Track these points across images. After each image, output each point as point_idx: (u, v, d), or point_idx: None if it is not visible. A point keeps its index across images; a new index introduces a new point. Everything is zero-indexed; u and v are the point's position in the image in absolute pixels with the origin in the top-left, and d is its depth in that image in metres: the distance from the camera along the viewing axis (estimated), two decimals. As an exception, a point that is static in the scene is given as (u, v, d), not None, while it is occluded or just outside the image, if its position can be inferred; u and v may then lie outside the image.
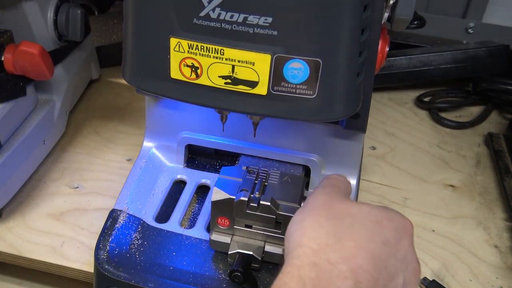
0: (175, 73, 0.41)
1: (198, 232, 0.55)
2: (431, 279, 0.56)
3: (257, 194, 0.49)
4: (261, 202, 0.48)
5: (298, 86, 0.39)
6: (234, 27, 0.37)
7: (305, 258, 0.36)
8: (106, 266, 0.51)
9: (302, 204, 0.49)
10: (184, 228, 0.56)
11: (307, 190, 0.58)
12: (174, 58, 0.40)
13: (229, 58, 0.39)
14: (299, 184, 0.51)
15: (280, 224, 0.49)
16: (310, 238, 0.37)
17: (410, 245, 0.40)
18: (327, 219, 0.38)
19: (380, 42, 0.45)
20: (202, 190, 0.62)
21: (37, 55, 0.58)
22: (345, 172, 0.58)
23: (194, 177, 0.62)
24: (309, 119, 0.41)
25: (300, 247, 0.37)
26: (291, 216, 0.48)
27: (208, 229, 0.56)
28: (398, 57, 0.82)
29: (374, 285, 0.35)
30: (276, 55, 0.38)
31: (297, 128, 0.57)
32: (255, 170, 0.52)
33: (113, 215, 0.55)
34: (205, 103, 0.42)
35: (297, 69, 0.38)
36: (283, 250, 0.50)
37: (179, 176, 0.62)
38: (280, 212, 0.48)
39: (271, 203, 0.48)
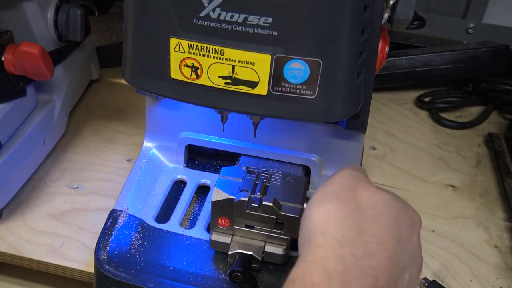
0: (175, 73, 0.41)
1: (198, 232, 0.55)
2: (431, 279, 0.56)
3: (258, 195, 0.49)
4: (264, 202, 0.48)
5: (298, 86, 0.39)
6: (234, 27, 0.37)
7: (331, 249, 0.35)
8: (106, 266, 0.51)
9: (305, 205, 0.49)
10: (184, 228, 0.56)
11: (308, 190, 0.58)
12: (174, 58, 0.40)
13: (229, 58, 0.39)
14: (301, 184, 0.51)
15: (280, 224, 0.49)
16: (335, 227, 0.36)
17: (418, 240, 0.41)
18: (352, 209, 0.37)
19: (380, 42, 0.45)
20: (202, 190, 0.62)
21: (37, 55, 0.58)
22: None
23: (194, 177, 0.62)
24: (309, 119, 0.41)
25: (324, 235, 0.36)
26: (293, 217, 0.48)
27: (208, 229, 0.56)
28: (398, 57, 0.82)
29: (388, 284, 0.35)
30: (276, 55, 0.38)
31: (297, 128, 0.57)
32: (255, 170, 0.52)
33: (113, 215, 0.55)
34: (205, 103, 0.42)
35: (297, 70, 0.38)
36: (284, 250, 0.50)
37: (179, 176, 0.62)
38: (282, 213, 0.48)
39: (273, 204, 0.48)
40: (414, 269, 0.39)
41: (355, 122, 0.52)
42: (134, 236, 0.54)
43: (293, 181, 0.51)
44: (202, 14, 0.38)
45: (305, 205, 0.49)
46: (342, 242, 0.35)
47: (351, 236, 0.36)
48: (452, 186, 0.69)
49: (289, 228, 0.49)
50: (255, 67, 0.39)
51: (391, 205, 0.39)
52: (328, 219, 0.37)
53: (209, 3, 0.37)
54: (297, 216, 0.48)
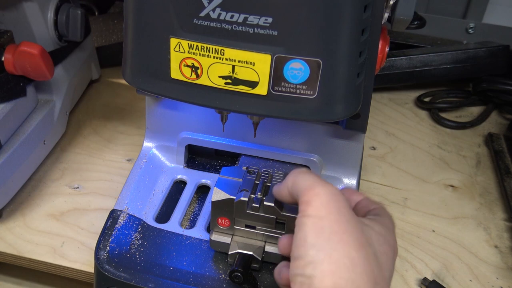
0: (175, 73, 0.41)
1: (198, 232, 0.55)
2: (431, 279, 0.56)
3: (259, 195, 0.49)
4: (265, 203, 0.48)
5: (298, 86, 0.39)
6: (234, 27, 0.37)
7: None
8: (106, 266, 0.51)
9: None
10: (184, 228, 0.56)
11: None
12: (174, 58, 0.40)
13: (229, 58, 0.39)
14: None
15: (280, 224, 0.49)
16: (347, 281, 0.34)
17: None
18: (356, 250, 0.36)
19: (380, 42, 0.45)
20: (202, 190, 0.62)
21: (37, 56, 0.58)
22: (345, 172, 0.59)
23: (194, 177, 0.62)
24: (309, 119, 0.41)
25: None
26: (295, 217, 0.48)
27: (208, 229, 0.56)
28: (399, 57, 0.82)
29: None
30: (276, 55, 0.38)
31: (297, 128, 0.57)
32: (255, 170, 0.52)
33: (113, 215, 0.55)
34: (205, 103, 0.42)
35: (297, 69, 0.38)
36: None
37: (179, 176, 0.62)
38: (284, 213, 0.48)
39: (274, 204, 0.48)
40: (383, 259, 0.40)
41: (355, 122, 0.52)
42: (134, 236, 0.54)
43: None
44: (202, 14, 0.38)
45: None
46: None
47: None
48: (452, 186, 0.69)
49: (290, 228, 0.49)
50: (255, 67, 0.39)
51: (385, 236, 0.40)
52: (337, 270, 0.35)
53: (209, 3, 0.37)
54: None
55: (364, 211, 0.44)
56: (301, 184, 0.39)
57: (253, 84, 0.40)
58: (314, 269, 0.35)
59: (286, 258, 0.48)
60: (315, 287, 0.35)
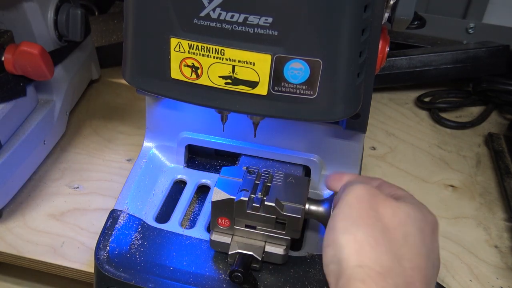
0: (175, 73, 0.41)
1: (198, 232, 0.55)
2: (431, 279, 0.56)
3: (259, 195, 0.49)
4: (266, 203, 0.48)
5: (298, 86, 0.39)
6: (235, 27, 0.37)
7: (373, 283, 0.34)
8: (106, 266, 0.51)
9: (307, 206, 0.49)
10: (184, 228, 0.56)
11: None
12: (175, 58, 0.40)
13: (229, 58, 0.39)
14: (304, 185, 0.51)
15: (281, 224, 0.49)
16: (371, 259, 0.35)
17: (438, 243, 0.40)
18: (382, 232, 0.37)
19: (380, 42, 0.45)
20: (202, 190, 0.62)
21: (37, 55, 0.58)
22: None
23: (194, 177, 0.62)
24: (309, 119, 0.41)
25: (362, 267, 0.35)
26: (295, 217, 0.48)
27: (208, 229, 0.56)
28: (399, 57, 0.82)
29: None
30: (276, 55, 0.38)
31: (297, 128, 0.57)
32: (255, 170, 0.52)
33: (113, 215, 0.55)
34: (206, 103, 0.42)
35: (297, 69, 0.38)
36: (284, 250, 0.50)
37: (179, 176, 0.62)
38: (285, 213, 0.48)
39: (275, 204, 0.48)
40: (435, 272, 0.39)
41: (355, 122, 0.52)
42: (134, 236, 0.54)
43: (295, 182, 0.51)
44: (202, 14, 0.38)
45: (307, 206, 0.49)
46: (382, 274, 0.35)
47: (389, 266, 0.35)
48: (452, 186, 0.69)
49: (291, 228, 0.49)
50: (255, 67, 0.39)
51: (414, 217, 0.39)
52: (362, 249, 0.36)
53: (209, 3, 0.37)
54: (299, 217, 0.48)
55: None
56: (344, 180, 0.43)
57: (253, 84, 0.40)
58: (341, 252, 0.36)
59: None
60: (343, 268, 0.36)
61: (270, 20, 0.37)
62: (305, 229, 0.56)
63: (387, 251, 0.36)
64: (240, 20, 0.37)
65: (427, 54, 0.82)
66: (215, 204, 0.49)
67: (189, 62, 0.40)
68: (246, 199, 0.48)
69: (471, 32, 0.89)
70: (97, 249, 0.52)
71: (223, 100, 0.41)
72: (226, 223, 0.50)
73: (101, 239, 0.53)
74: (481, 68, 0.82)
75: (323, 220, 0.49)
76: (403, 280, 0.35)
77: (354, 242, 0.36)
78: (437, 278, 0.40)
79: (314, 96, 0.39)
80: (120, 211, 0.56)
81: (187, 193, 0.60)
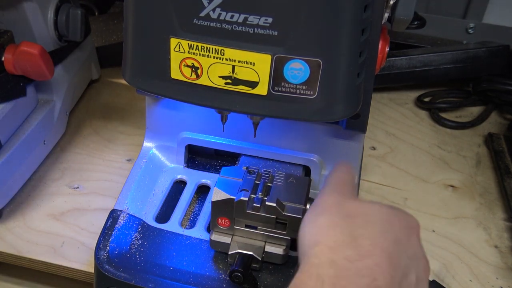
0: (175, 74, 0.41)
1: (198, 232, 0.55)
2: (431, 279, 0.56)
3: (260, 195, 0.49)
4: (267, 203, 0.48)
5: (298, 86, 0.39)
6: (235, 27, 0.37)
7: (323, 256, 0.36)
8: (106, 266, 0.51)
9: (308, 206, 0.49)
10: (184, 228, 0.56)
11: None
12: (175, 59, 0.40)
13: (229, 58, 0.39)
14: (304, 185, 0.51)
15: (281, 224, 0.49)
16: (326, 236, 0.37)
17: (419, 242, 0.40)
18: (341, 218, 0.38)
19: (380, 42, 0.45)
20: (202, 190, 0.62)
21: (37, 55, 0.58)
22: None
23: (194, 177, 0.62)
24: (309, 119, 0.41)
25: (317, 245, 0.37)
26: (296, 217, 0.48)
27: (208, 229, 0.56)
28: (398, 57, 0.82)
29: (391, 283, 0.35)
30: (276, 55, 0.38)
31: (297, 128, 0.57)
32: (255, 170, 0.52)
33: (113, 215, 0.55)
34: (205, 103, 0.42)
35: (297, 69, 0.38)
36: (284, 250, 0.50)
37: (179, 176, 0.62)
38: (285, 213, 0.48)
39: (276, 204, 0.48)
40: (421, 271, 0.39)
41: (355, 122, 0.52)
42: (134, 236, 0.54)
43: (296, 182, 0.51)
44: (202, 14, 0.38)
45: (307, 206, 0.49)
46: (334, 248, 0.36)
47: (343, 240, 0.36)
48: (452, 186, 0.69)
49: (292, 228, 0.49)
50: (255, 67, 0.39)
51: (380, 211, 0.39)
52: (319, 231, 0.38)
53: (209, 3, 0.37)
54: (300, 217, 0.48)
55: None
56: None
57: (253, 84, 0.40)
58: (303, 239, 0.38)
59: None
60: (304, 251, 0.38)
61: (270, 20, 0.37)
62: (305, 229, 0.56)
63: (343, 231, 0.37)
64: (240, 20, 0.37)
65: (427, 54, 0.81)
66: (215, 204, 0.49)
67: (189, 62, 0.40)
68: (246, 199, 0.48)
69: (471, 32, 0.89)
70: (97, 249, 0.52)
71: (223, 100, 0.41)
72: (226, 223, 0.50)
73: (101, 239, 0.53)
74: (481, 68, 0.82)
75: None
76: (356, 252, 0.36)
77: (314, 227, 0.38)
78: (427, 277, 0.40)
79: (314, 96, 0.39)
80: (120, 211, 0.56)
81: (187, 193, 0.60)
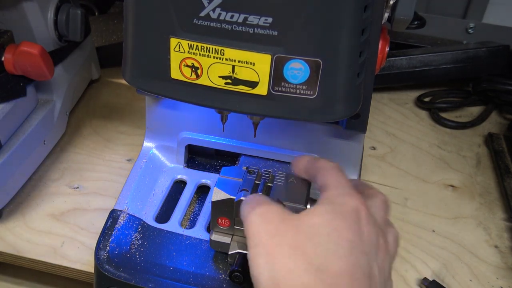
0: (175, 73, 0.41)
1: (198, 232, 0.55)
2: (431, 279, 0.56)
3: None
4: None
5: (298, 86, 0.39)
6: (234, 27, 0.37)
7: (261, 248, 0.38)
8: (106, 266, 0.51)
9: (308, 206, 0.49)
10: (184, 228, 0.56)
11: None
12: (174, 58, 0.40)
13: (229, 58, 0.39)
14: (305, 185, 0.51)
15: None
16: (268, 237, 0.39)
17: (368, 220, 0.39)
18: (278, 222, 0.40)
19: (380, 42, 0.45)
20: (202, 190, 0.62)
21: (37, 55, 0.58)
22: (345, 172, 0.58)
23: (194, 177, 0.62)
24: (309, 119, 0.41)
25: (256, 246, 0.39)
26: None
27: (208, 229, 0.56)
28: (398, 57, 0.82)
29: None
30: (276, 55, 0.38)
31: (297, 128, 0.57)
32: (255, 170, 0.52)
33: (113, 215, 0.55)
34: (205, 103, 0.42)
35: (297, 69, 0.38)
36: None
37: (179, 176, 0.62)
38: None
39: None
40: (381, 257, 0.38)
41: (355, 122, 0.52)
42: (134, 236, 0.54)
43: (296, 182, 0.51)
44: (202, 14, 0.38)
45: (308, 206, 0.49)
46: (271, 237, 0.39)
47: (277, 234, 0.39)
48: (452, 186, 0.69)
49: None
50: (255, 67, 0.39)
51: (321, 225, 0.38)
52: (274, 267, 0.37)
53: (209, 3, 0.37)
54: None
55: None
56: None
57: (253, 84, 0.40)
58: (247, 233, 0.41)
59: None
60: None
61: (270, 20, 0.37)
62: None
63: (284, 240, 0.38)
64: (240, 20, 0.37)
65: (427, 54, 0.82)
66: (215, 204, 0.49)
67: (189, 62, 0.40)
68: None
69: (471, 32, 0.89)
70: (97, 249, 0.52)
71: (223, 100, 0.41)
72: (226, 223, 0.50)
73: (101, 239, 0.53)
74: (481, 68, 0.82)
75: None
76: (291, 242, 0.37)
77: (267, 263, 0.38)
78: (390, 264, 0.40)
79: (314, 96, 0.39)
80: (120, 211, 0.56)
81: (187, 193, 0.60)
